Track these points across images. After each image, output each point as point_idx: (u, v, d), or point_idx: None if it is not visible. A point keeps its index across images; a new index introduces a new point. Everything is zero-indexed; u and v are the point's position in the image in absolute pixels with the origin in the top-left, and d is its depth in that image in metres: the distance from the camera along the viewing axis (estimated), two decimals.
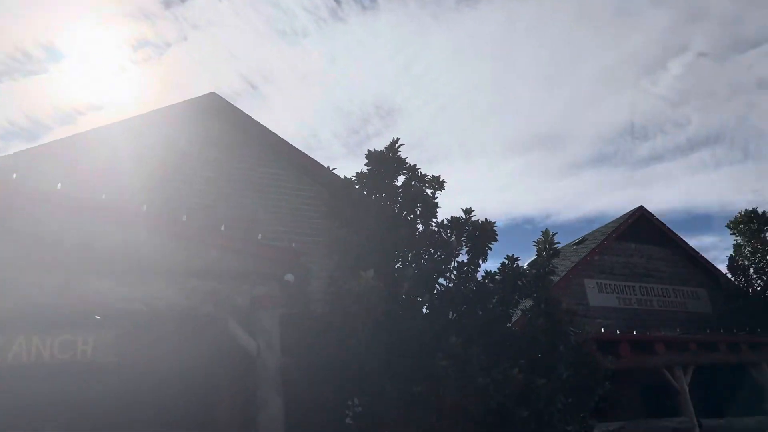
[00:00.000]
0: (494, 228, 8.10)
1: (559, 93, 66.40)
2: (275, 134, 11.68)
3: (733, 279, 17.21)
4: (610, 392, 13.73)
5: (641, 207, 17.68)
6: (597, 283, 16.07)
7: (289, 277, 7.10)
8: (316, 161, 11.59)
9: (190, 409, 7.39)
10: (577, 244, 18.32)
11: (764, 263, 15.86)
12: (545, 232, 8.13)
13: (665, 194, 61.67)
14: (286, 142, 11.67)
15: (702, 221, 64.51)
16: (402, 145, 8.12)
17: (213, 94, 11.76)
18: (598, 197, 66.46)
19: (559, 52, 64.33)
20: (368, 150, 8.11)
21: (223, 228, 7.05)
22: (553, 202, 66.73)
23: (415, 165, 8.20)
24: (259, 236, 7.27)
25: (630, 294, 16.42)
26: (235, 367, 7.26)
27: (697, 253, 17.88)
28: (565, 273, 15.75)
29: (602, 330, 12.74)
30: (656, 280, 17.10)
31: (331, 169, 9.51)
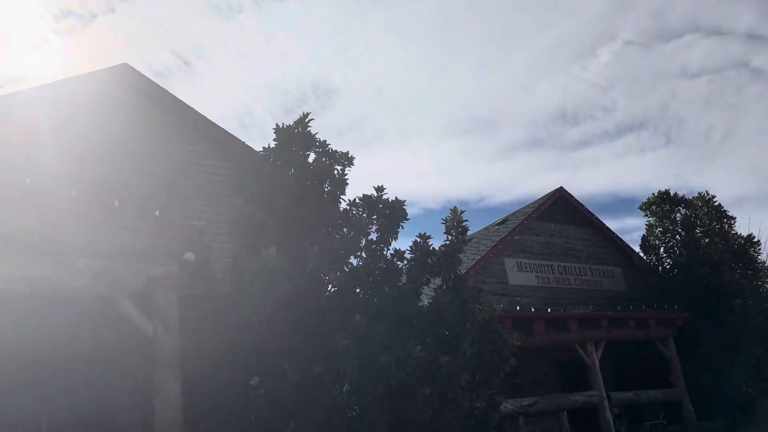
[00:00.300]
0: (404, 207, 8.03)
1: (495, 76, 67.33)
2: (193, 108, 11.23)
3: (645, 258, 17.91)
4: (528, 368, 14.16)
5: (561, 188, 18.11)
6: (517, 262, 16.40)
7: (189, 256, 6.81)
8: (234, 136, 11.23)
9: (84, 399, 7.04)
10: (500, 224, 18.63)
11: (674, 243, 16.54)
12: (453, 210, 8.13)
13: (593, 178, 63.78)
14: (204, 117, 11.25)
15: (627, 204, 67.16)
16: (312, 120, 7.91)
17: (125, 65, 11.14)
18: (530, 180, 68.08)
19: (496, 36, 65.10)
20: (276, 124, 7.86)
21: (117, 204, 6.67)
22: (488, 184, 67.92)
23: (325, 141, 8.01)
24: (157, 213, 6.94)
25: (548, 273, 16.84)
26: (131, 352, 6.94)
27: (614, 233, 18.51)
28: (485, 252, 15.99)
29: (517, 308, 13.00)
30: (574, 260, 17.61)
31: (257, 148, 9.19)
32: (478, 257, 15.76)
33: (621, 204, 64.78)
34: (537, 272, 16.65)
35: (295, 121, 7.87)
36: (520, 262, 16.45)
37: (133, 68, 11.13)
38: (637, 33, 63.93)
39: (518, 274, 16.25)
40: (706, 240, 16.12)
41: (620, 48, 65.87)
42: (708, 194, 18.33)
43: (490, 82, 67.90)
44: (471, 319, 7.37)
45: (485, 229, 19.67)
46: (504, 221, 18.66)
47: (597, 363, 13.17)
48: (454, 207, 8.16)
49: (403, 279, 7.68)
